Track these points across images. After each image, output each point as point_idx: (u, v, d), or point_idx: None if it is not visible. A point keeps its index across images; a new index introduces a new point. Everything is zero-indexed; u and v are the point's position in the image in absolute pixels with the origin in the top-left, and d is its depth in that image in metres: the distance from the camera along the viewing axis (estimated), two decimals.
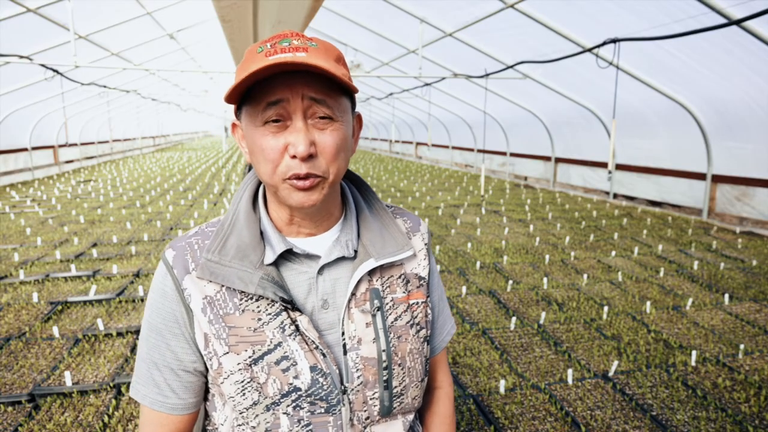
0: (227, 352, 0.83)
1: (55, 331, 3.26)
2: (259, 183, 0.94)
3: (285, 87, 0.76)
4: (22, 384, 2.71)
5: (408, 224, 0.99)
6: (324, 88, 0.78)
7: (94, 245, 5.62)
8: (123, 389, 2.68)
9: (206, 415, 0.97)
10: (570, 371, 2.79)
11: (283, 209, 0.87)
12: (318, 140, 0.78)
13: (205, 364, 0.88)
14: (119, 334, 3.32)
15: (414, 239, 0.98)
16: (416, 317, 0.93)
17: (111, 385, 2.71)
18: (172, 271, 0.86)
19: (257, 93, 0.78)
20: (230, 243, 0.84)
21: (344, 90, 0.82)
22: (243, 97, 0.81)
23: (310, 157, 0.77)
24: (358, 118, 0.90)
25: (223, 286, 0.84)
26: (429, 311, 0.96)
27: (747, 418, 2.44)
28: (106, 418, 2.42)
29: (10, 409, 2.52)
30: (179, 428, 0.91)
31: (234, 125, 0.90)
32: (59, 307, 3.74)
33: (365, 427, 0.87)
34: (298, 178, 0.78)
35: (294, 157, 0.77)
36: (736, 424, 2.39)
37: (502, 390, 2.67)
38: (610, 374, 2.83)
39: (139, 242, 5.79)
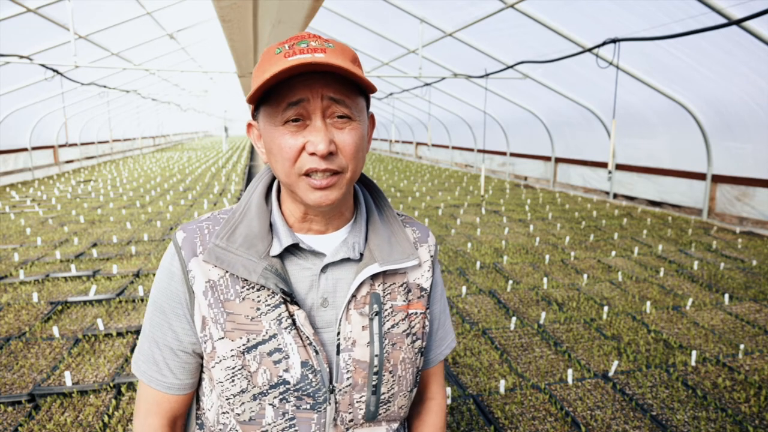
0: (222, 338, 0.84)
1: (55, 331, 3.26)
2: (274, 177, 0.95)
3: (305, 87, 0.77)
4: (22, 384, 2.71)
5: (416, 234, 1.00)
6: (342, 88, 0.79)
7: (94, 245, 5.62)
8: (123, 389, 2.69)
9: (197, 400, 0.98)
10: (570, 371, 2.79)
11: (297, 206, 0.88)
12: (337, 139, 0.80)
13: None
14: (119, 334, 3.32)
15: (420, 250, 0.98)
16: (413, 327, 0.93)
17: (111, 385, 2.71)
18: (180, 252, 0.87)
19: (277, 93, 0.79)
20: (239, 231, 0.86)
21: (360, 90, 0.83)
22: (261, 97, 0.82)
23: (329, 155, 0.79)
24: (371, 118, 0.91)
25: (227, 272, 0.85)
26: (427, 323, 0.96)
27: (747, 418, 2.44)
28: (106, 418, 2.42)
29: (10, 409, 2.52)
30: (173, 407, 0.92)
31: (249, 125, 0.90)
32: (59, 307, 3.75)
33: (348, 429, 0.87)
34: (316, 171, 0.79)
35: (313, 154, 0.78)
36: (736, 424, 2.39)
37: (502, 390, 2.67)
38: (610, 374, 2.84)
39: (139, 242, 5.79)
